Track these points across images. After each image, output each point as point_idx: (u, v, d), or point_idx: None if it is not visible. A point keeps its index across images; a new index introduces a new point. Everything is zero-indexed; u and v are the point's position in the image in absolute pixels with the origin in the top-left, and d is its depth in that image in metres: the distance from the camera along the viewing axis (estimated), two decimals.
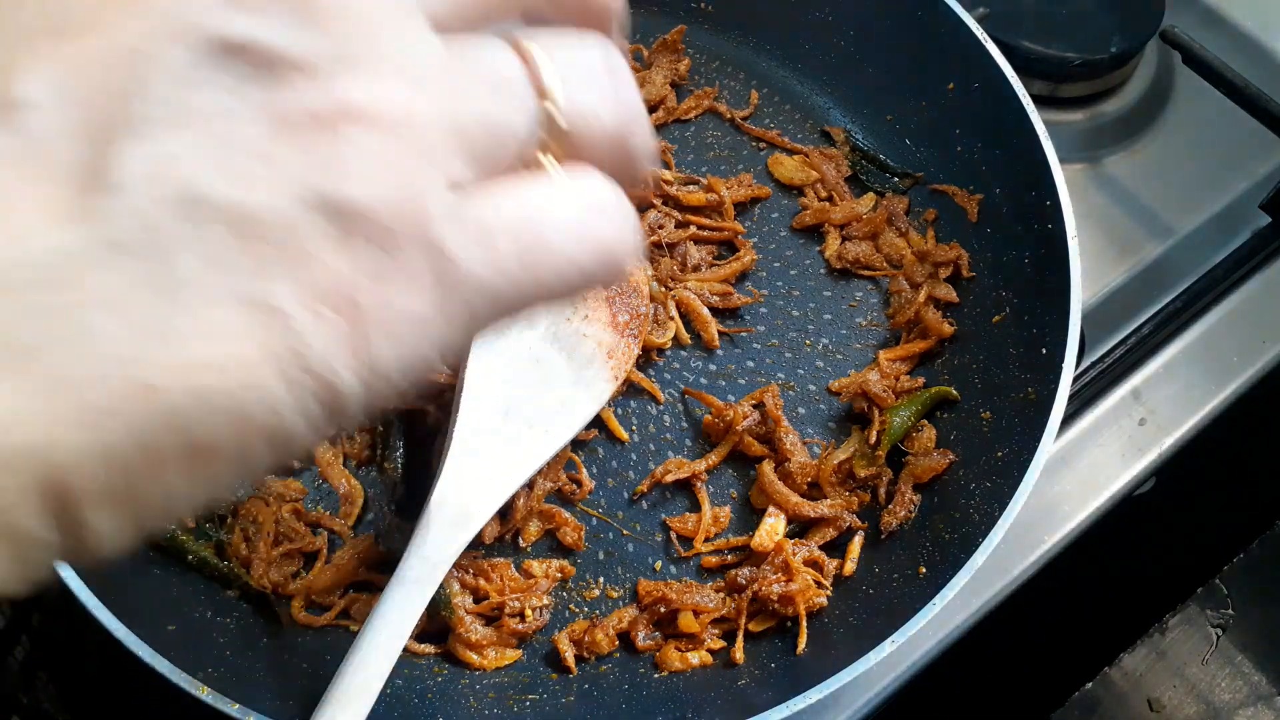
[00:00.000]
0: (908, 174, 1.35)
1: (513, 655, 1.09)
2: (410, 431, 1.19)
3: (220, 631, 1.06)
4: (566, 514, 1.15)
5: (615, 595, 1.13)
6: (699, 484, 1.17)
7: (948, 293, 1.26)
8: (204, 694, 0.93)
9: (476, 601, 1.11)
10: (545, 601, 1.11)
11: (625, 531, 1.16)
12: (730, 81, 1.45)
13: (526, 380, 1.13)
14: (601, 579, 1.14)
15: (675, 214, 1.31)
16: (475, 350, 1.12)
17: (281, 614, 1.10)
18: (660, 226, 1.30)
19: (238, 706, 0.93)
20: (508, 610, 1.10)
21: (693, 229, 1.31)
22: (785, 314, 1.28)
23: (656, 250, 1.29)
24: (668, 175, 1.34)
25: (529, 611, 1.10)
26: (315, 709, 0.92)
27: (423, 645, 1.10)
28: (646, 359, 1.24)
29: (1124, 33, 1.48)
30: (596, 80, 0.42)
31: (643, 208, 1.32)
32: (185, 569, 1.11)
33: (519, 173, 0.40)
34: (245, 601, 1.10)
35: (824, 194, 1.35)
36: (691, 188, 1.34)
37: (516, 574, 1.12)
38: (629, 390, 1.23)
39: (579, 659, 1.09)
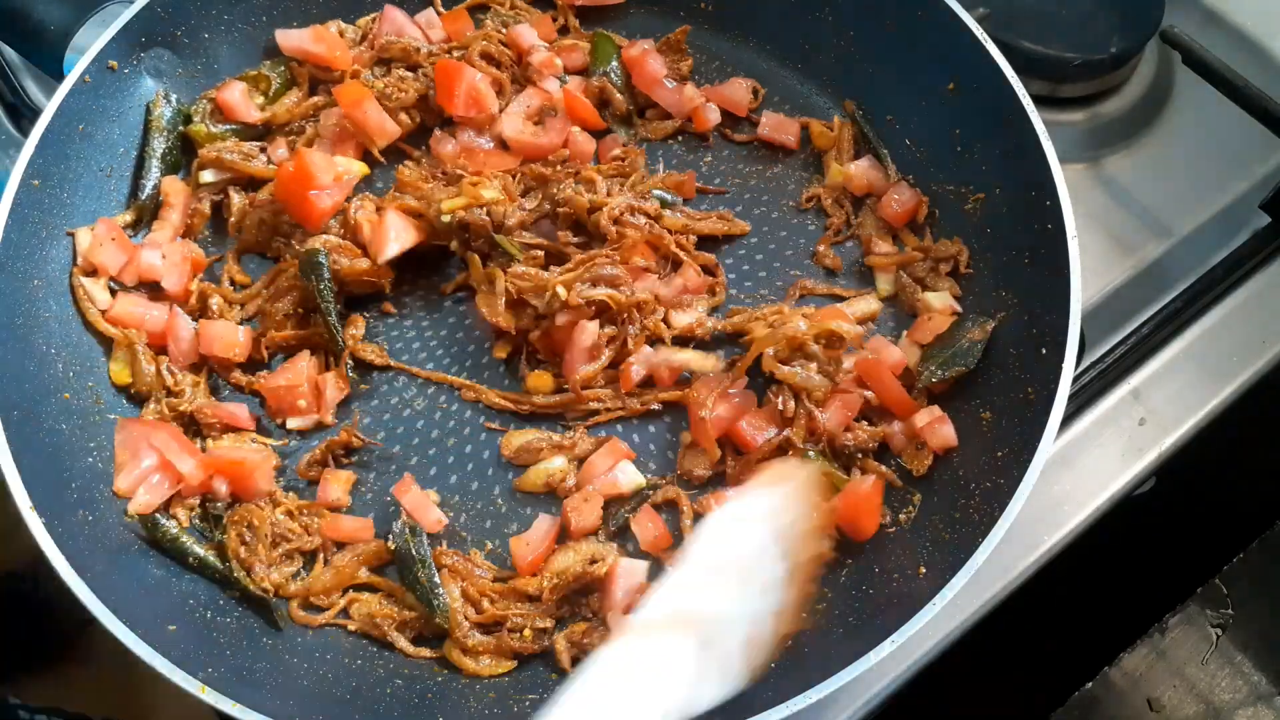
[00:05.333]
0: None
1: (507, 665, 1.09)
2: None
3: (220, 631, 1.06)
4: None
5: None
6: None
7: (951, 287, 1.27)
8: (204, 694, 0.93)
9: (479, 612, 1.11)
10: (548, 624, 1.10)
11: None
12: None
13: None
14: None
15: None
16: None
17: (280, 616, 1.10)
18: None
19: (238, 706, 0.93)
20: (508, 626, 1.09)
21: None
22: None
23: None
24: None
25: (529, 631, 1.09)
26: None
27: (418, 648, 1.10)
28: None
29: (1124, 33, 1.48)
30: None
31: None
32: (185, 570, 1.11)
33: None
34: (245, 604, 1.10)
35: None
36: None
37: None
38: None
39: (576, 660, 1.09)
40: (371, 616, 1.11)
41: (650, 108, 1.42)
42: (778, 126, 1.40)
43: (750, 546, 0.96)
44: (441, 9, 1.47)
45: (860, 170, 1.35)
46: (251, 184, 1.33)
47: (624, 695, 0.85)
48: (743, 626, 0.93)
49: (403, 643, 1.09)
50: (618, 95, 1.40)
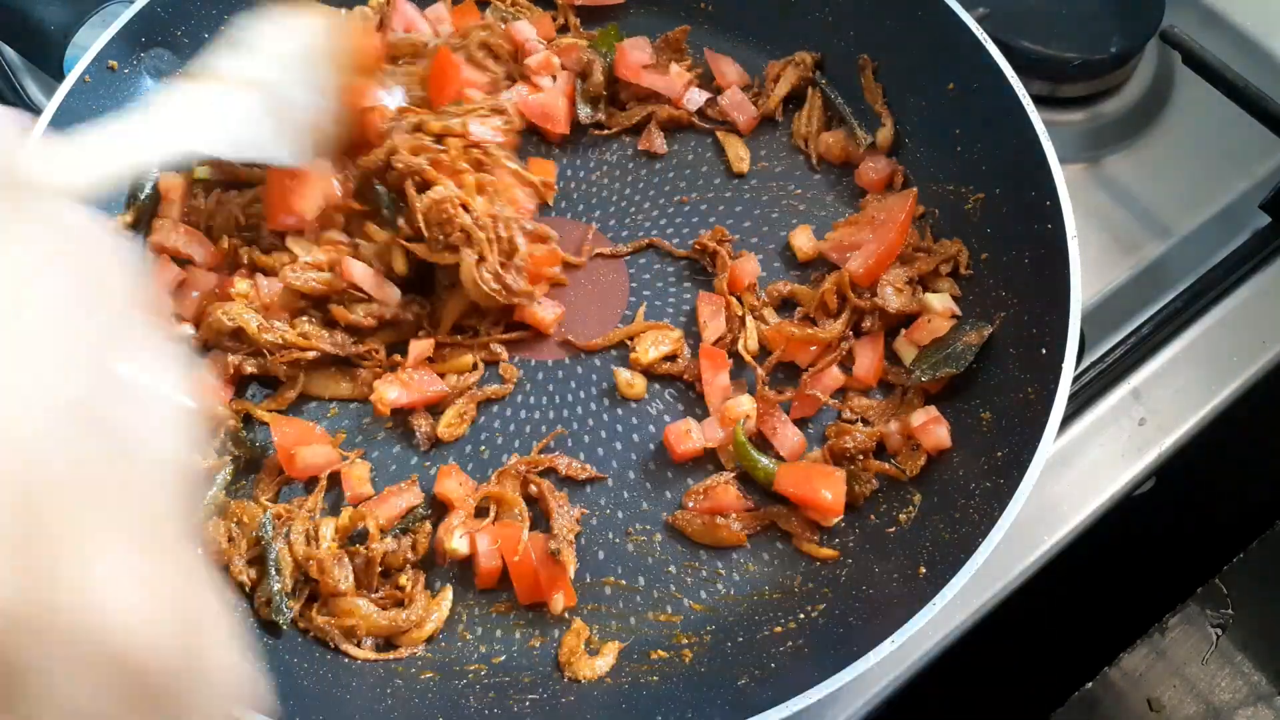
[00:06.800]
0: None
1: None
2: None
3: None
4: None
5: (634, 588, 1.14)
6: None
7: (951, 287, 1.27)
8: None
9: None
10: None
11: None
12: None
13: None
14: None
15: None
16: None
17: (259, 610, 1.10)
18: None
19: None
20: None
21: None
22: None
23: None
24: None
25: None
26: None
27: (380, 653, 1.10)
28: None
29: (1124, 33, 1.48)
30: None
31: None
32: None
33: None
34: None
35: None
36: None
37: None
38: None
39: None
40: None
41: (632, 102, 1.42)
42: (739, 106, 1.40)
43: (291, 49, 1.13)
44: (450, 3, 1.48)
45: (835, 140, 1.37)
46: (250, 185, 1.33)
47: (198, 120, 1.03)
48: (297, 109, 1.13)
49: (350, 649, 1.09)
50: (599, 75, 1.40)
